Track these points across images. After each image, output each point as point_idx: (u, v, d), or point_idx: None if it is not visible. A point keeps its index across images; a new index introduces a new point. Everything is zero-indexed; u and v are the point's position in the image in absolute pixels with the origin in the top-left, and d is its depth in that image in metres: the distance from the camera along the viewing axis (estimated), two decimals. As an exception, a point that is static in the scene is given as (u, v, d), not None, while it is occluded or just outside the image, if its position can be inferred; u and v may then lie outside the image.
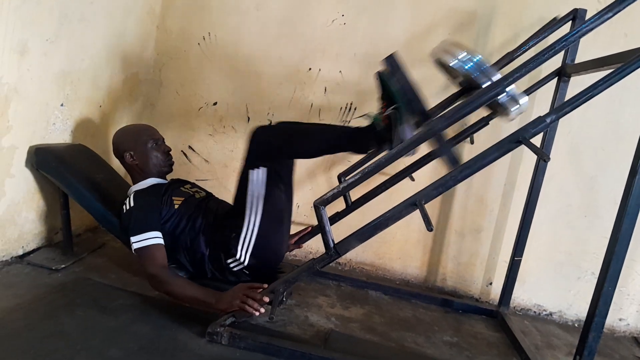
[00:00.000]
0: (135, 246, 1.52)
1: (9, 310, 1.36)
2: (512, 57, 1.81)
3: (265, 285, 1.41)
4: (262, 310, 1.37)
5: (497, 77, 1.34)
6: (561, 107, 1.21)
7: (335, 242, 1.36)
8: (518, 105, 1.37)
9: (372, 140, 1.48)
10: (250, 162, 1.56)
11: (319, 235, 1.88)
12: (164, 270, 1.50)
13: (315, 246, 2.31)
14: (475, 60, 1.37)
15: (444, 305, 2.07)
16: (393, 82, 1.42)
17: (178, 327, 1.44)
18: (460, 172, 1.26)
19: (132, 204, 1.59)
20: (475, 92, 1.35)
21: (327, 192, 1.34)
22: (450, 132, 1.90)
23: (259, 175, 1.54)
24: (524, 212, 1.97)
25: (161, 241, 1.55)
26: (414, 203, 1.27)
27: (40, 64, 1.68)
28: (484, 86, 1.34)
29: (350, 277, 2.15)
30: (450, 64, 1.41)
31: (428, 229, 1.17)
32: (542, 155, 1.23)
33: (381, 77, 1.47)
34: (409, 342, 1.67)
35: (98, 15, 1.95)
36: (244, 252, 1.58)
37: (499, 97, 1.32)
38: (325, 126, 1.67)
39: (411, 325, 1.82)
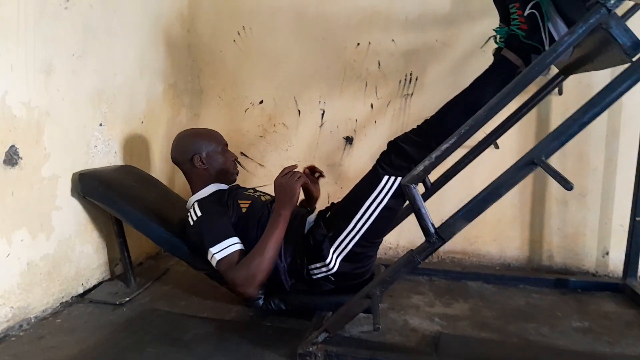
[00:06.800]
0: (217, 257, 1.36)
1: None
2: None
3: (296, 164, 1.28)
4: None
5: None
6: None
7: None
8: None
9: (516, 56, 1.30)
10: (389, 166, 1.38)
11: (395, 227, 1.68)
12: (244, 267, 1.34)
13: (394, 240, 2.10)
14: None
15: (558, 286, 1.82)
16: None
17: (263, 352, 1.30)
18: (584, 113, 1.00)
19: (199, 214, 1.45)
20: None
21: (417, 166, 1.10)
22: (480, 134, 1.62)
23: (391, 184, 1.38)
24: (639, 162, 1.67)
25: (241, 246, 1.40)
26: (532, 161, 1.01)
27: (70, 83, 1.56)
28: None
29: (442, 269, 1.95)
30: None
31: (567, 188, 0.91)
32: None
33: None
34: (533, 334, 1.45)
35: (124, 25, 1.83)
36: (335, 255, 1.39)
37: None
38: (458, 96, 1.41)
39: (528, 314, 1.59)
